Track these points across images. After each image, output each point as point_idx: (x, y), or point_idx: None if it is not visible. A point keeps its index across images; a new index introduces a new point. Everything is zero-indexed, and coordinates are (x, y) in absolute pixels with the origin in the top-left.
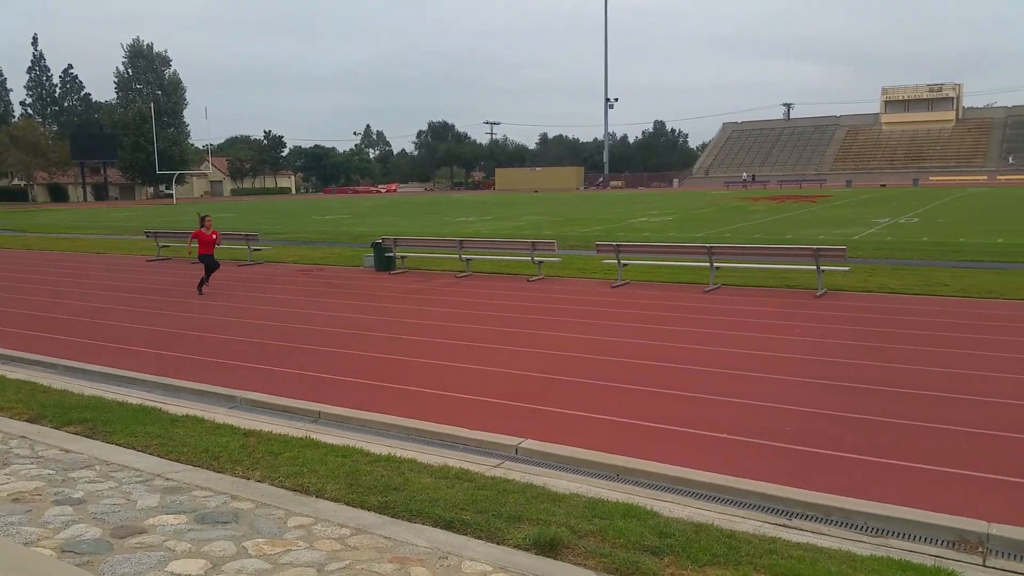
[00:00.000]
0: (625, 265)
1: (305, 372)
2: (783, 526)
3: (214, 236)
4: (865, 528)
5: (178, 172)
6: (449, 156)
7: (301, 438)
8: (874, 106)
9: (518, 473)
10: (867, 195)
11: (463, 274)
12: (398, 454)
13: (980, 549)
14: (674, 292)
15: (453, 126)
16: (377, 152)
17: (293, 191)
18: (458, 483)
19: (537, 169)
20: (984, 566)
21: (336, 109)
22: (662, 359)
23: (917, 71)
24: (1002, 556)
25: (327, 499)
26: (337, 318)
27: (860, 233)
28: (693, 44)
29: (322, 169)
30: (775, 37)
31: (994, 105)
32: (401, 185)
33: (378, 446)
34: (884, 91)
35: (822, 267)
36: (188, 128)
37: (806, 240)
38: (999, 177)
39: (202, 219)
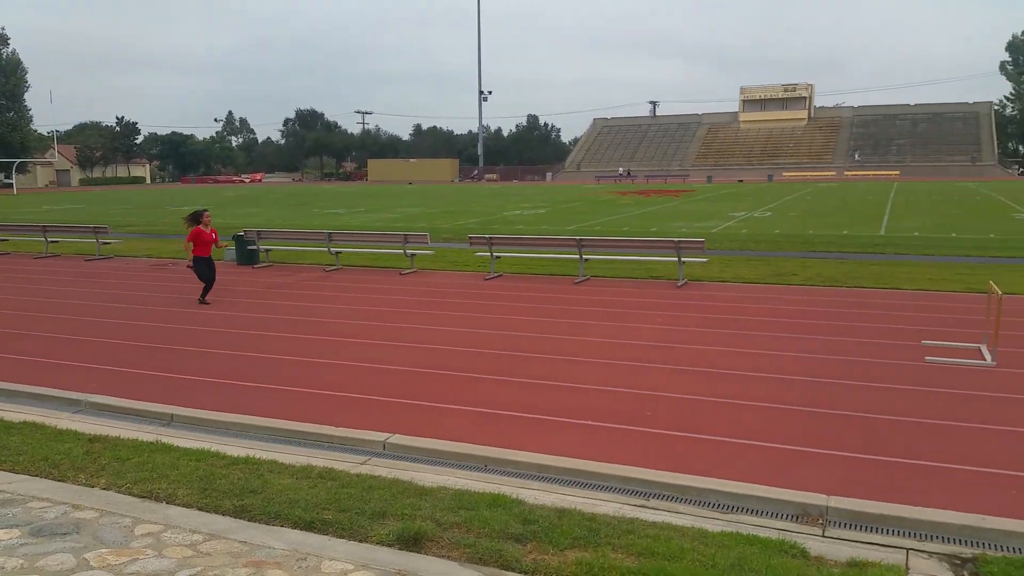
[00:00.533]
0: (498, 258)
1: (158, 373)
2: (641, 507)
3: (213, 235)
4: (718, 506)
5: (19, 160)
6: (318, 145)
7: (151, 442)
8: (733, 105)
9: (385, 469)
10: (726, 190)
11: (332, 267)
12: (258, 455)
13: (820, 521)
14: (545, 284)
15: (323, 114)
16: (241, 140)
17: (148, 181)
18: (321, 482)
19: (411, 161)
20: (824, 536)
21: (196, 95)
22: (533, 350)
23: (773, 71)
24: (839, 526)
25: (179, 505)
26: (194, 315)
27: (719, 226)
28: (564, 39)
29: (180, 157)
30: (642, 36)
31: (843, 105)
32: (267, 175)
33: (236, 448)
34: (742, 91)
35: (683, 259)
36: (30, 113)
37: (669, 233)
38: (846, 173)
39: (199, 214)
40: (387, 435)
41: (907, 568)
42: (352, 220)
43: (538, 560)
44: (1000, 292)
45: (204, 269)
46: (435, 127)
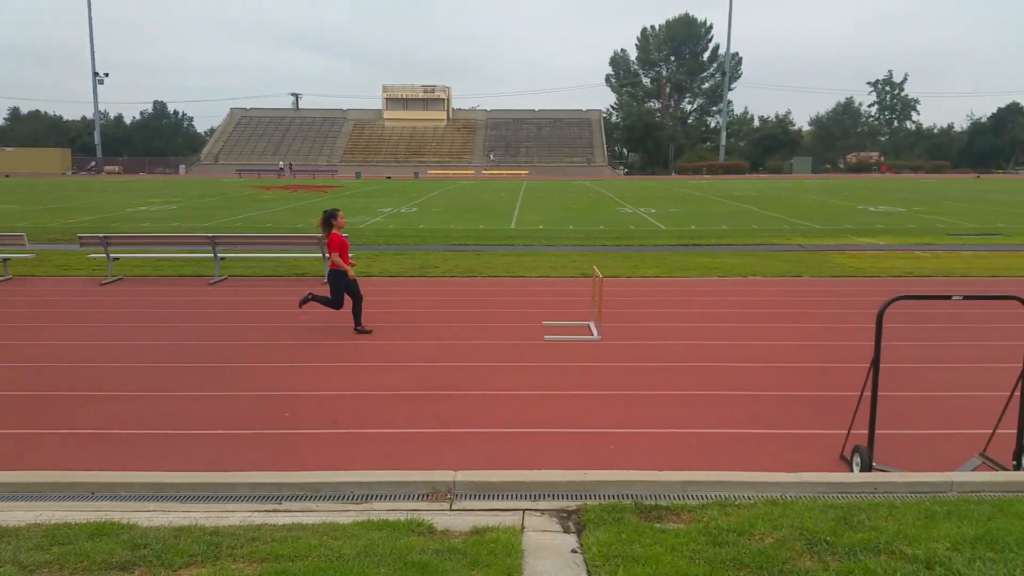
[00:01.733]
0: (116, 259)
1: None
2: (273, 511)
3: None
4: (351, 497)
5: None
6: None
7: None
8: (378, 102)
9: None
10: (375, 186)
11: None
12: None
13: (449, 495)
14: (174, 287)
15: None
16: None
17: None
18: None
19: (8, 150)
20: (451, 510)
21: None
22: (155, 360)
23: (415, 72)
24: (466, 498)
25: None
26: None
27: (367, 221)
28: (194, 22)
29: None
30: (281, 24)
31: (477, 108)
32: None
33: None
34: (385, 89)
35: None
36: None
37: (316, 229)
38: (483, 172)
39: (331, 215)
40: None
41: (523, 527)
42: None
43: None
44: (602, 276)
45: (340, 284)
46: (39, 111)
